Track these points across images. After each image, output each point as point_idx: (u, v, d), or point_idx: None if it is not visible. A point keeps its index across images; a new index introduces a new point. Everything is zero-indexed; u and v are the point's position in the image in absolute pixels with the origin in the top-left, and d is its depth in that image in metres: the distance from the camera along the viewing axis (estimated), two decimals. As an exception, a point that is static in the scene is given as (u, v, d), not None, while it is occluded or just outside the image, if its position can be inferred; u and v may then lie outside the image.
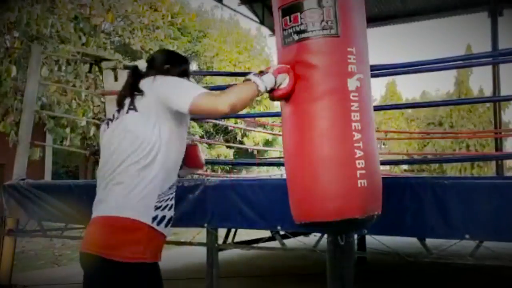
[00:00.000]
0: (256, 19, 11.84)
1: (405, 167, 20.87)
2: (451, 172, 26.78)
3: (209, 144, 18.97)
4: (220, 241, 3.72)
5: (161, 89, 1.86)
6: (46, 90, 8.63)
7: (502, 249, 3.04)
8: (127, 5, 10.51)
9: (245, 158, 18.89)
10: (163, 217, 1.83)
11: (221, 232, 3.76)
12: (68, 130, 9.07)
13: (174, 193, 1.93)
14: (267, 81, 1.94)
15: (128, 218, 1.75)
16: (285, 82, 1.99)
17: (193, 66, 21.94)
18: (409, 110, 32.52)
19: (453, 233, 2.84)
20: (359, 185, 1.95)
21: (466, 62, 6.12)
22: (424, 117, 31.85)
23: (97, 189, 1.92)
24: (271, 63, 23.60)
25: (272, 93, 2.03)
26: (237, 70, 20.37)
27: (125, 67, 5.30)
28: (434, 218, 2.85)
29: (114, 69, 5.11)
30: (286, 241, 3.62)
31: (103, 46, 10.84)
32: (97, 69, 5.41)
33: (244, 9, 11.56)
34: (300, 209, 2.10)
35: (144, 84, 1.92)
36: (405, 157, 21.23)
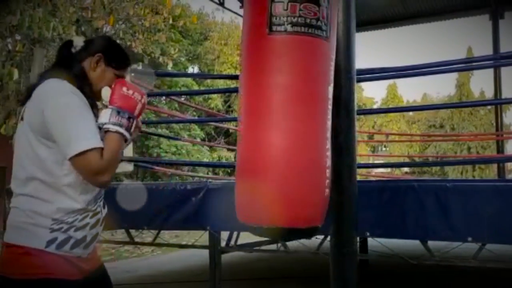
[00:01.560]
0: (257, 22, 11.85)
1: (406, 169, 20.88)
2: (453, 175, 26.76)
3: (210, 147, 18.98)
4: (223, 243, 3.72)
5: (49, 115, 1.59)
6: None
7: (504, 252, 3.05)
8: (128, 8, 10.53)
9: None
10: (67, 239, 1.63)
11: (223, 235, 3.77)
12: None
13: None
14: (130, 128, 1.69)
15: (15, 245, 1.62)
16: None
17: (195, 69, 21.99)
18: (410, 113, 32.53)
19: (455, 236, 2.85)
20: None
21: (467, 65, 6.13)
22: (425, 119, 31.85)
23: None
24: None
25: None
26: (238, 73, 20.37)
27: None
28: (437, 221, 2.86)
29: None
30: (288, 243, 3.63)
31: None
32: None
33: (245, 12, 11.57)
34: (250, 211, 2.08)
35: (39, 91, 1.66)
36: (406, 160, 21.22)
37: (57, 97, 1.60)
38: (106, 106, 1.70)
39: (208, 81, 18.78)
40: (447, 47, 64.04)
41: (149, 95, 10.20)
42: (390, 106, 30.43)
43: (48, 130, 1.58)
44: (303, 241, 4.26)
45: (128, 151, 5.19)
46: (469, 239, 2.79)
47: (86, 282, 1.69)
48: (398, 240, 3.11)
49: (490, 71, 10.08)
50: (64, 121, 1.57)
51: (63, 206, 1.61)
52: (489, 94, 26.98)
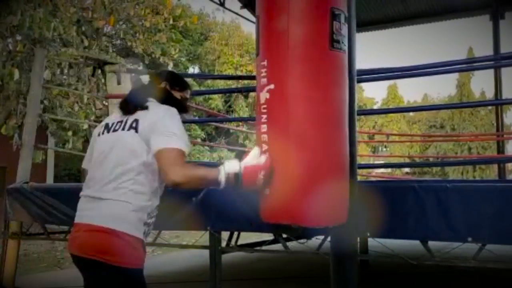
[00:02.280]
0: (258, 22, 11.84)
1: (406, 169, 20.89)
2: (453, 175, 26.77)
3: (211, 147, 18.99)
4: (223, 244, 3.72)
5: (158, 127, 1.92)
6: (48, 93, 8.66)
7: (504, 252, 3.05)
8: (129, 8, 10.55)
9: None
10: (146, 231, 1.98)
11: (224, 235, 3.77)
12: (70, 133, 9.10)
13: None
14: (231, 178, 1.91)
15: (124, 232, 1.86)
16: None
17: (195, 69, 21.97)
18: (411, 113, 32.54)
19: (456, 236, 2.85)
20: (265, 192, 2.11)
21: (468, 65, 6.13)
22: (426, 119, 31.87)
23: (88, 190, 2.01)
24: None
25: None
26: (238, 73, 20.39)
27: (128, 71, 5.32)
28: (437, 221, 2.86)
29: (117, 73, 5.13)
30: (288, 244, 3.63)
31: (105, 49, 10.88)
32: (99, 72, 5.42)
33: (246, 12, 11.57)
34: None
35: (153, 111, 2.01)
36: (407, 160, 21.23)
37: (169, 114, 1.99)
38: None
39: (209, 81, 18.78)
40: (448, 47, 64.06)
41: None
42: (391, 106, 30.46)
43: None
44: (304, 241, 4.26)
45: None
46: (469, 239, 2.79)
47: None
48: (398, 240, 3.11)
49: (491, 72, 10.08)
50: (175, 126, 1.94)
51: (155, 204, 1.98)
52: (490, 94, 27.00)
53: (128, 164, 1.91)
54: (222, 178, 1.87)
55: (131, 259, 1.85)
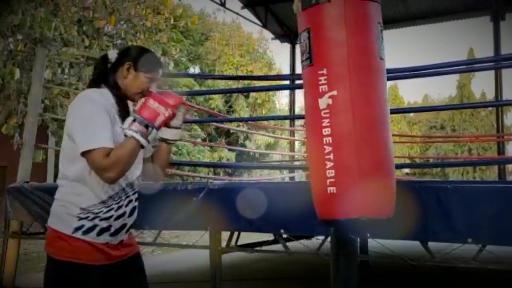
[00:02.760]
0: (259, 23, 11.86)
1: (406, 170, 20.88)
2: (453, 176, 26.75)
3: (211, 147, 18.99)
4: (223, 244, 3.73)
5: (71, 121, 1.88)
6: (49, 93, 8.66)
7: (504, 253, 3.05)
8: (130, 8, 10.54)
9: (247, 161, 18.91)
10: (92, 227, 1.88)
11: (224, 235, 3.78)
12: (70, 132, 9.10)
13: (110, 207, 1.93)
14: (150, 135, 1.87)
15: (52, 228, 1.92)
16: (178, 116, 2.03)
17: (196, 69, 21.97)
18: (411, 114, 32.51)
19: (456, 237, 2.85)
20: (328, 191, 2.23)
21: (468, 66, 6.13)
22: (426, 120, 31.83)
23: None
24: (274, 66, 23.54)
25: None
26: (239, 73, 20.40)
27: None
28: (437, 222, 2.86)
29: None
30: (289, 244, 3.63)
31: (106, 49, 10.87)
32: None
33: (246, 12, 11.58)
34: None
35: (74, 100, 1.96)
36: (407, 161, 21.21)
37: (78, 105, 1.89)
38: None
39: (209, 81, 18.80)
40: (448, 48, 64.08)
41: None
42: (391, 107, 30.39)
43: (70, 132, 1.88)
44: (304, 241, 4.26)
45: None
46: (469, 240, 2.79)
47: (117, 267, 1.95)
48: (398, 241, 3.11)
49: (491, 73, 10.08)
50: (78, 125, 1.84)
51: (89, 199, 1.88)
52: (490, 95, 27.00)
53: (61, 165, 1.98)
54: (133, 135, 1.81)
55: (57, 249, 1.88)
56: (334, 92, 2.24)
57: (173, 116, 1.94)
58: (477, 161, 20.08)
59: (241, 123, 16.39)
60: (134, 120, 1.84)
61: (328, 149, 2.23)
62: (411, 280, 5.36)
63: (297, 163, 11.62)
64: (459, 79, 30.07)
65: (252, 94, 20.90)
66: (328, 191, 2.22)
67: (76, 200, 1.88)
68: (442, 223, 2.85)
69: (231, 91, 17.61)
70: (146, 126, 1.84)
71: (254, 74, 20.10)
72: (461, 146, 28.09)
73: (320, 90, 2.26)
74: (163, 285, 5.16)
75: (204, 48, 21.51)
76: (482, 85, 52.86)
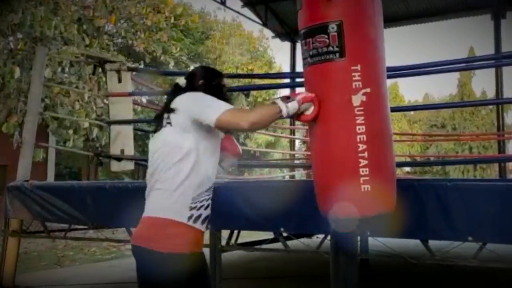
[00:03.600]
0: (259, 21, 11.85)
1: (407, 169, 20.82)
2: (454, 174, 26.75)
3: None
4: (223, 242, 3.72)
5: (192, 105, 2.08)
6: (49, 92, 8.66)
7: (505, 251, 3.04)
8: (130, 7, 10.54)
9: (247, 159, 18.89)
10: (199, 216, 2.05)
11: (224, 233, 3.77)
12: (71, 131, 9.10)
13: (210, 195, 2.14)
14: (290, 108, 2.12)
15: (166, 218, 2.01)
16: (310, 109, 2.22)
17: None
18: (412, 112, 32.51)
19: (456, 235, 2.85)
20: (362, 189, 2.19)
21: (469, 64, 6.13)
22: (427, 119, 31.84)
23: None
24: (273, 65, 23.52)
25: (298, 118, 2.28)
26: (239, 72, 20.39)
27: (129, 69, 5.31)
28: (438, 220, 2.86)
29: (118, 71, 5.13)
30: (289, 242, 3.63)
31: (106, 47, 10.88)
32: (100, 70, 5.42)
33: (247, 11, 11.57)
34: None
35: (177, 101, 2.13)
36: (408, 159, 21.20)
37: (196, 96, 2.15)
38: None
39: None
40: (449, 46, 63.95)
41: (152, 94, 10.18)
42: (392, 105, 30.38)
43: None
44: (304, 240, 4.26)
45: (129, 150, 5.19)
46: (470, 238, 2.79)
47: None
48: (398, 239, 3.11)
49: (492, 71, 10.06)
50: (203, 101, 2.10)
51: (199, 190, 2.06)
52: (491, 93, 26.98)
53: (168, 156, 2.10)
54: (275, 101, 2.09)
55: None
56: (368, 90, 2.23)
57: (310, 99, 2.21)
58: (477, 160, 20.07)
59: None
60: (289, 98, 2.14)
61: (362, 147, 2.21)
62: (412, 278, 5.36)
63: (297, 161, 11.62)
64: (459, 77, 30.08)
65: (253, 93, 20.89)
66: (362, 189, 2.21)
67: (186, 190, 2.06)
68: (442, 221, 2.85)
69: (232, 90, 17.57)
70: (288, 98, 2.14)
71: (255, 72, 20.10)
72: (462, 145, 28.09)
73: (354, 87, 2.23)
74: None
75: (204, 47, 21.50)
76: (482, 83, 52.84)
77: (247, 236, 4.43)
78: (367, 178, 2.19)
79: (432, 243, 3.08)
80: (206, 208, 2.10)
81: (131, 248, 2.14)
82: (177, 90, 2.23)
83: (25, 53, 8.72)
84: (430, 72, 4.77)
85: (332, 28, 2.24)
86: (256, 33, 23.25)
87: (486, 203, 2.77)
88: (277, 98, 2.15)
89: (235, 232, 3.83)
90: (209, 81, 2.26)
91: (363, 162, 2.20)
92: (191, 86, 2.23)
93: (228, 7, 11.28)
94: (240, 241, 3.96)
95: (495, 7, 9.79)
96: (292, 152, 11.91)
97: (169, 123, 2.11)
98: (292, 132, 11.84)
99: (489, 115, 28.45)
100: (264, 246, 3.97)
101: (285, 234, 3.68)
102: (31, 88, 5.11)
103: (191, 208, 2.03)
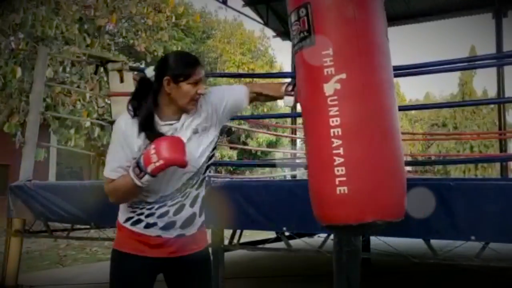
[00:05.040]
0: (260, 21, 11.86)
1: (408, 168, 20.80)
2: (455, 173, 26.73)
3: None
4: (226, 242, 3.73)
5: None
6: (51, 91, 8.66)
7: (507, 251, 3.04)
8: (131, 6, 10.53)
9: (249, 159, 18.92)
10: (138, 220, 2.01)
11: (226, 233, 3.78)
12: (72, 131, 9.10)
13: (156, 208, 2.00)
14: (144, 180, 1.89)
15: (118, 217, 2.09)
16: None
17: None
18: (413, 111, 32.50)
19: (459, 235, 2.84)
20: (337, 192, 1.91)
21: (470, 64, 6.12)
22: (428, 118, 31.83)
23: None
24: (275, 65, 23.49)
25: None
26: (241, 71, 20.40)
27: (131, 69, 5.32)
28: (440, 220, 2.85)
29: (120, 71, 5.13)
30: (291, 242, 3.63)
31: (107, 47, 10.88)
32: (102, 70, 5.43)
33: (248, 10, 11.57)
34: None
35: None
36: (409, 158, 21.22)
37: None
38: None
39: (211, 79, 18.78)
40: (450, 45, 64.02)
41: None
42: (393, 105, 30.34)
43: None
44: (306, 239, 4.26)
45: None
46: (472, 238, 2.79)
47: (172, 262, 2.04)
48: (400, 238, 3.11)
49: (493, 70, 10.06)
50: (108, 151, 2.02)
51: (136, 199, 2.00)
52: (492, 92, 26.97)
53: None
54: (130, 174, 1.88)
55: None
56: (343, 75, 1.92)
57: (163, 167, 1.84)
58: (479, 159, 20.07)
59: (242, 121, 16.37)
60: (138, 162, 1.88)
61: (337, 142, 1.91)
62: (413, 277, 5.37)
63: (298, 161, 11.62)
64: (460, 76, 30.06)
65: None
66: (338, 192, 1.90)
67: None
68: (445, 221, 2.85)
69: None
70: (140, 170, 1.87)
71: (256, 72, 20.12)
72: (463, 144, 28.07)
73: (325, 73, 1.94)
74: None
75: (205, 46, 21.50)
76: (483, 82, 52.89)
77: (248, 235, 4.44)
78: (343, 178, 1.89)
79: (434, 242, 3.08)
80: (147, 217, 1.99)
81: None
82: (141, 90, 2.01)
83: (26, 53, 8.71)
84: (431, 72, 4.77)
85: (302, 12, 1.99)
86: (257, 32, 23.27)
87: (488, 202, 2.77)
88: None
89: (238, 231, 3.84)
90: (175, 77, 1.94)
91: (338, 160, 1.90)
92: (155, 86, 1.99)
93: (229, 7, 11.29)
94: (242, 240, 3.97)
95: (496, 6, 9.79)
96: (293, 152, 11.91)
97: None
98: (294, 131, 11.84)
99: (490, 114, 28.44)
100: (266, 245, 3.97)
101: (287, 233, 3.69)
102: (33, 88, 5.12)
103: (130, 212, 2.02)
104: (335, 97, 1.91)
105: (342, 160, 1.89)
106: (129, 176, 1.87)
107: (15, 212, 4.48)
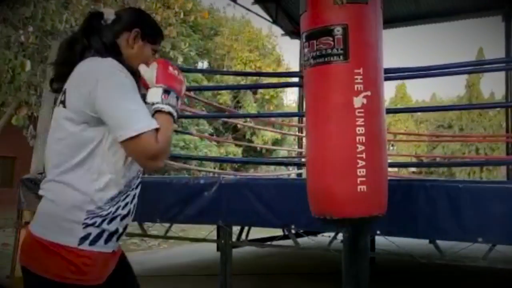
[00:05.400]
0: (269, 18, 11.85)
1: (413, 169, 20.79)
2: (460, 175, 26.68)
3: (218, 142, 19.03)
4: (234, 238, 3.76)
5: (100, 100, 1.45)
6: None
7: (514, 253, 3.06)
8: (140, 2, 10.57)
9: (254, 156, 18.95)
10: (100, 233, 1.51)
11: (234, 229, 3.81)
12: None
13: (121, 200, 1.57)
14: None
15: (50, 241, 1.46)
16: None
17: (204, 64, 21.97)
18: (419, 112, 32.43)
19: (466, 236, 2.87)
20: (358, 190, 2.26)
21: (478, 67, 6.13)
22: (434, 119, 31.75)
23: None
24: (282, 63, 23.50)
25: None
26: (248, 68, 20.42)
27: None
28: (448, 221, 2.88)
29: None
30: (299, 239, 3.66)
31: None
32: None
33: (257, 8, 11.57)
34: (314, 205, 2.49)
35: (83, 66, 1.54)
36: (414, 159, 21.18)
37: (106, 77, 1.47)
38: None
39: (218, 76, 18.81)
40: (459, 47, 63.79)
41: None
42: (399, 105, 30.34)
43: (97, 112, 1.45)
44: (314, 237, 4.29)
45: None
46: (480, 239, 2.81)
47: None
48: (404, 239, 3.13)
49: (501, 73, 10.02)
50: (116, 102, 1.44)
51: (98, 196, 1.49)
52: (499, 95, 26.89)
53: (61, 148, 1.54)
54: (170, 111, 1.51)
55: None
56: (368, 93, 2.30)
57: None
58: (485, 161, 20.02)
59: (248, 119, 16.40)
60: (167, 92, 1.52)
61: (360, 148, 2.27)
62: (419, 277, 5.38)
63: (304, 159, 11.62)
64: (468, 78, 29.97)
65: (260, 90, 20.90)
66: (359, 190, 2.25)
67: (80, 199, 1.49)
68: (452, 222, 2.87)
69: (240, 88, 17.60)
70: (177, 98, 1.55)
71: (263, 70, 20.13)
72: (469, 146, 28.01)
73: (356, 89, 2.30)
74: (173, 278, 5.20)
75: (213, 43, 21.52)
76: (491, 85, 52.68)
77: (256, 232, 4.46)
78: (364, 179, 2.25)
79: (440, 243, 3.11)
80: (111, 221, 1.53)
81: None
82: (93, 28, 1.62)
83: (36, 46, 8.77)
84: (439, 74, 4.78)
85: (338, 31, 2.31)
86: (265, 30, 23.27)
87: (496, 204, 2.79)
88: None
89: (246, 228, 3.87)
90: (145, 34, 1.66)
91: (361, 163, 2.26)
92: (112, 31, 1.63)
93: (238, 4, 11.29)
94: (250, 237, 4.00)
95: (506, 8, 9.75)
96: (300, 150, 11.92)
97: (63, 102, 1.57)
98: (300, 130, 11.85)
99: (497, 116, 28.36)
100: (274, 242, 4.00)
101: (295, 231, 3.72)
102: (45, 82, 5.16)
103: (84, 226, 1.46)
104: (362, 110, 2.30)
105: (364, 163, 2.26)
106: (167, 116, 1.49)
107: (26, 204, 4.53)
